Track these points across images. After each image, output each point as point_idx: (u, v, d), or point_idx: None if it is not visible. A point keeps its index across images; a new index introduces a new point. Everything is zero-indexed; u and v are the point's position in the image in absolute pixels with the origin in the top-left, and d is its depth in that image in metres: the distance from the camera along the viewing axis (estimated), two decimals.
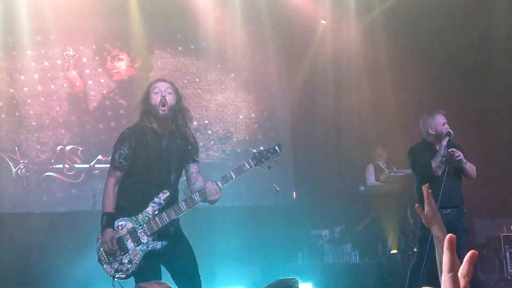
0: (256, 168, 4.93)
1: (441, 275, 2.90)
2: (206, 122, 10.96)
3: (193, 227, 4.90)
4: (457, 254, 4.78)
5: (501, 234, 8.88)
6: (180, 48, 11.02)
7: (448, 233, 4.81)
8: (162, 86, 4.80)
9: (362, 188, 9.71)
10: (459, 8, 9.81)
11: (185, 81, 10.90)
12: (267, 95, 11.48)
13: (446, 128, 6.57)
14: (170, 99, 4.74)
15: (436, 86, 10.28)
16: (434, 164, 6.52)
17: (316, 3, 10.63)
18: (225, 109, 11.16)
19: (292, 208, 10.87)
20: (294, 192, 11.22)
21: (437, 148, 6.59)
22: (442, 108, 6.92)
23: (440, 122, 6.70)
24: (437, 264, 3.08)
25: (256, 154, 4.91)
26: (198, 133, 10.74)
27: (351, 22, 10.57)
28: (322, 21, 11.11)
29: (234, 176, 4.78)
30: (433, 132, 6.73)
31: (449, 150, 6.43)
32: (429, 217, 3.12)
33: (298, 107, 11.43)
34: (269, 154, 4.92)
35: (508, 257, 8.68)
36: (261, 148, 4.98)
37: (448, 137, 6.47)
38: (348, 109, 10.71)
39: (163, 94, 4.72)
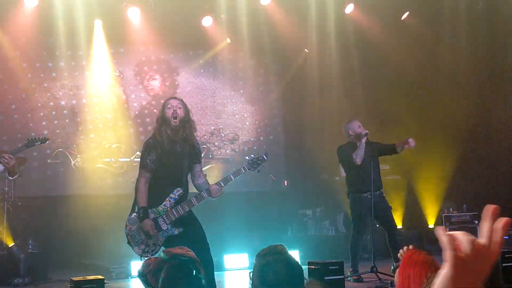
0: (249, 172, 4.97)
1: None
2: (221, 127, 11.02)
3: (207, 208, 4.92)
4: (388, 226, 4.85)
5: (443, 215, 8.94)
6: (201, 70, 11.05)
7: (376, 211, 4.78)
8: (173, 102, 4.70)
9: (337, 178, 9.73)
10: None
11: (204, 96, 10.94)
12: (267, 107, 11.50)
13: (363, 129, 6.64)
14: (180, 112, 4.64)
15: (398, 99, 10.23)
16: (354, 155, 6.56)
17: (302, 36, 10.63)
18: (234, 117, 11.18)
19: (284, 193, 10.89)
20: (286, 181, 11.27)
21: (358, 145, 6.62)
22: (356, 117, 7.05)
23: (356, 125, 6.74)
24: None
25: (249, 161, 4.92)
26: (214, 136, 10.82)
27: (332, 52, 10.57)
28: (306, 50, 11.14)
29: (233, 178, 4.78)
30: (352, 134, 6.75)
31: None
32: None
33: (290, 116, 11.47)
34: (259, 161, 4.91)
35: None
36: (252, 156, 4.99)
37: (366, 136, 6.57)
38: (328, 117, 10.72)
39: (175, 109, 4.63)
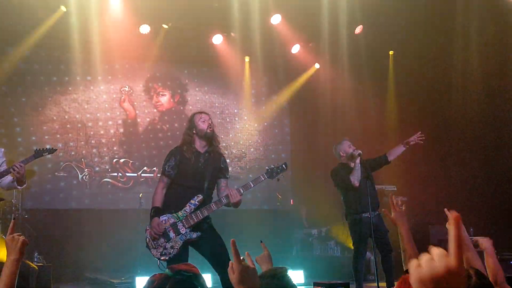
0: (268, 180, 5.04)
1: (404, 262, 2.95)
2: (228, 144, 11.04)
3: (215, 226, 4.94)
4: (383, 248, 4.85)
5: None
6: (208, 88, 11.11)
7: (374, 232, 4.83)
8: (206, 116, 4.96)
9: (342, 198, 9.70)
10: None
11: (212, 112, 10.91)
12: (272, 125, 11.56)
13: (355, 150, 6.54)
14: (213, 125, 4.94)
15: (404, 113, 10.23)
16: (352, 178, 6.45)
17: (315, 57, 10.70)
18: (241, 135, 11.23)
19: (290, 212, 10.90)
20: (292, 200, 11.26)
21: (352, 166, 6.54)
22: (346, 137, 6.88)
23: (346, 146, 6.66)
24: (401, 252, 3.11)
25: (269, 170, 4.98)
26: None
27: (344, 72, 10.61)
28: (316, 65, 11.18)
29: (252, 185, 4.85)
30: (344, 155, 6.67)
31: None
32: (394, 218, 3.15)
33: (297, 134, 11.50)
34: (279, 170, 4.97)
35: None
36: (272, 165, 5.04)
37: (359, 156, 6.47)
38: (336, 135, 10.72)
39: (209, 122, 4.91)
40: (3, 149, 5.23)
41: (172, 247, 4.60)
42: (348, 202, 6.71)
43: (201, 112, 5.08)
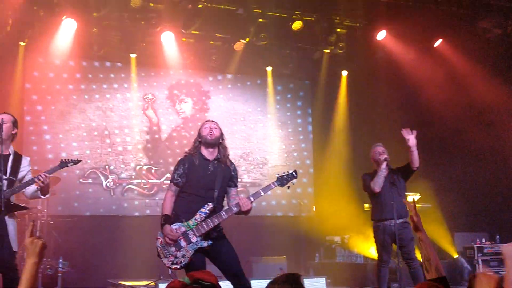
0: (278, 188, 5.04)
1: (429, 271, 2.89)
2: (250, 151, 11.06)
3: (234, 230, 4.92)
4: (407, 257, 4.74)
5: (475, 245, 8.71)
6: (230, 94, 11.16)
7: (398, 241, 4.71)
8: (210, 123, 5.00)
9: (366, 205, 9.62)
10: None
11: (234, 119, 11.03)
12: (296, 131, 11.55)
13: (382, 155, 6.45)
14: (216, 132, 4.91)
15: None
16: (372, 184, 6.43)
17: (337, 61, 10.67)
18: (263, 141, 11.23)
19: (312, 218, 10.86)
20: (314, 207, 11.22)
21: (377, 172, 6.49)
22: (378, 144, 6.75)
23: (374, 151, 6.58)
24: (424, 261, 3.04)
25: (279, 177, 4.99)
26: (242, 160, 10.86)
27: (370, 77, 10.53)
28: (344, 72, 11.13)
29: (262, 193, 4.85)
30: (372, 161, 6.63)
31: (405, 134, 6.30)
32: (417, 224, 3.08)
33: (319, 141, 11.47)
34: (289, 177, 4.98)
35: (480, 263, 8.52)
36: (283, 172, 5.04)
37: (384, 162, 6.38)
38: (355, 145, 10.67)
39: (211, 128, 4.92)
40: (29, 158, 5.31)
41: (183, 255, 4.60)
42: (372, 209, 6.68)
43: (207, 121, 5.13)
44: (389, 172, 6.51)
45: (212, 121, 5.10)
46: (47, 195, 5.20)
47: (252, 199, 4.78)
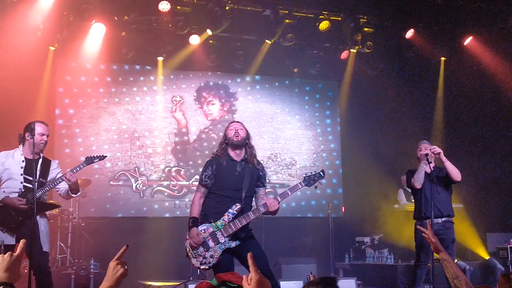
0: (308, 189, 5.03)
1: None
2: (278, 152, 11.06)
3: (265, 233, 4.91)
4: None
5: (508, 246, 8.53)
6: (258, 96, 11.17)
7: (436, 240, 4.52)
8: (235, 124, 5.02)
9: (396, 206, 9.53)
10: None
11: (262, 121, 11.04)
12: (324, 131, 11.50)
13: (423, 151, 6.31)
14: (242, 133, 4.93)
15: None
16: (412, 179, 6.35)
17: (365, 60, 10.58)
18: (291, 142, 11.21)
19: (341, 219, 10.79)
20: (343, 207, 11.15)
21: (425, 169, 6.36)
22: (424, 140, 6.61)
23: (418, 149, 6.46)
24: (449, 280, 2.97)
25: (306, 177, 5.00)
26: (270, 160, 10.86)
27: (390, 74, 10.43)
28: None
29: (290, 194, 4.86)
30: (417, 156, 6.53)
31: (431, 149, 6.14)
32: (437, 245, 3.02)
33: (347, 141, 11.40)
34: (316, 177, 4.98)
35: None
36: (310, 173, 5.04)
37: (426, 158, 6.20)
38: (385, 145, 10.56)
39: (237, 129, 4.93)
40: (57, 161, 5.44)
41: (211, 256, 4.62)
42: (414, 206, 6.57)
43: (233, 122, 5.14)
44: (434, 169, 6.35)
45: (238, 122, 5.12)
46: (78, 193, 5.30)
47: (280, 199, 4.80)
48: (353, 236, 10.20)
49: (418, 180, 6.32)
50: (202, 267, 4.65)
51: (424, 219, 6.25)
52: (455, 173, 6.22)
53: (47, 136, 5.18)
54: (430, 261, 6.44)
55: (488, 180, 9.49)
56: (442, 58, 10.29)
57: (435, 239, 3.04)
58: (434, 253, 3.02)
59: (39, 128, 5.09)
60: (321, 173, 5.01)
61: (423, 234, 3.13)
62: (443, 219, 6.24)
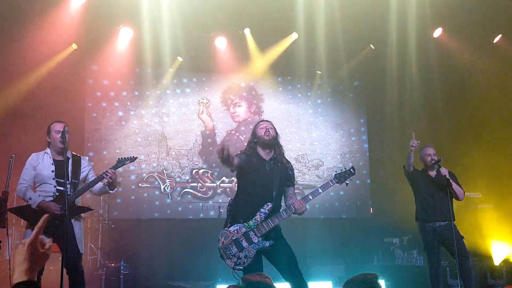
0: (337, 185, 5.00)
1: None
2: (305, 153, 11.04)
3: (290, 233, 4.90)
4: (459, 253, 4.45)
5: None
6: (283, 97, 11.16)
7: (440, 243, 4.55)
8: (265, 123, 4.98)
9: None
10: None
11: (289, 122, 11.03)
12: (351, 133, 11.44)
13: (414, 144, 6.36)
14: (272, 132, 4.90)
15: None
16: (405, 164, 6.54)
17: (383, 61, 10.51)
18: (318, 144, 11.18)
19: (370, 220, 10.72)
20: (371, 208, 11.07)
21: (429, 173, 6.51)
22: (428, 144, 6.70)
23: (429, 154, 6.52)
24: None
25: (337, 174, 4.97)
26: (297, 162, 10.84)
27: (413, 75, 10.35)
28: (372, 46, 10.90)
29: (321, 191, 4.84)
30: (423, 159, 6.62)
31: (442, 172, 6.19)
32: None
33: (374, 142, 11.32)
34: (347, 174, 4.95)
35: None
36: (340, 170, 5.03)
37: (437, 164, 6.27)
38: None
39: (267, 128, 4.91)
40: (87, 158, 5.49)
41: (246, 256, 4.61)
42: (416, 209, 6.60)
43: (262, 121, 5.12)
44: (437, 173, 6.40)
45: (267, 121, 5.09)
46: (115, 189, 5.35)
47: (311, 198, 4.77)
48: (382, 237, 10.12)
49: (409, 164, 6.47)
50: (237, 267, 4.61)
51: (427, 222, 6.30)
52: (458, 194, 6.34)
53: (67, 133, 5.14)
54: (440, 260, 6.43)
55: None
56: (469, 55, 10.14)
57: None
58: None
59: (54, 126, 5.17)
60: (351, 169, 4.99)
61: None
62: (446, 222, 6.27)
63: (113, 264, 7.68)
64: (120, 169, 8.67)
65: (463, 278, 6.14)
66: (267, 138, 4.87)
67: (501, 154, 9.56)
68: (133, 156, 5.38)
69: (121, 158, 5.33)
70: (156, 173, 10.11)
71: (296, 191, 9.59)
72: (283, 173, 4.91)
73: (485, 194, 9.01)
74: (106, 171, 5.07)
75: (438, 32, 9.48)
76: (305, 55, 10.20)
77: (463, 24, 9.27)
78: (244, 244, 4.63)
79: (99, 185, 5.22)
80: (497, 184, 9.18)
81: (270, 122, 5.05)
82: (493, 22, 9.25)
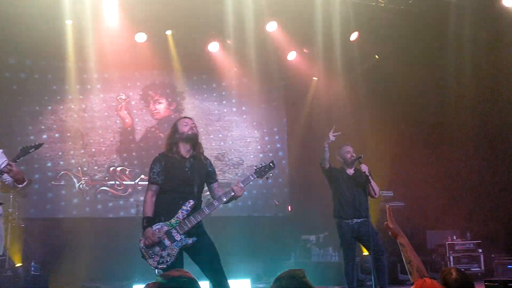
0: (265, 187, 5.02)
1: (412, 274, 2.91)
2: (225, 151, 11.05)
3: (209, 231, 4.87)
4: (374, 251, 4.69)
5: (446, 242, 8.83)
6: (205, 95, 11.13)
7: (356, 239, 4.85)
8: (189, 121, 4.93)
9: None
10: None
11: (209, 120, 11.01)
12: (270, 132, 11.58)
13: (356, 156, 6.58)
14: (196, 129, 4.88)
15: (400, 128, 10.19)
16: (321, 161, 6.68)
17: (310, 63, 10.70)
18: (238, 142, 11.23)
19: (288, 218, 10.89)
20: (289, 206, 11.25)
21: (348, 172, 6.66)
22: (346, 143, 6.89)
23: (349, 151, 6.71)
24: (404, 263, 3.05)
25: (257, 169, 4.92)
26: (218, 160, 10.83)
27: (339, 78, 10.58)
28: (314, 78, 11.19)
29: (242, 186, 4.71)
30: (342, 158, 6.78)
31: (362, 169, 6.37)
32: (394, 231, 3.10)
33: (294, 141, 11.51)
34: (267, 168, 4.91)
35: (451, 260, 8.62)
36: (260, 164, 4.98)
37: (358, 161, 6.47)
38: (334, 143, 10.68)
39: (191, 126, 4.86)
40: (1, 150, 5.17)
41: (168, 254, 4.55)
42: (334, 206, 6.73)
43: (184, 117, 5.07)
44: (355, 171, 6.60)
45: (189, 118, 5.04)
46: (24, 183, 5.04)
47: (243, 186, 4.70)
48: (299, 234, 10.30)
49: (324, 159, 6.59)
50: (160, 266, 4.53)
51: (344, 219, 6.46)
52: (376, 191, 6.53)
53: None
54: (356, 256, 6.62)
55: (428, 179, 9.77)
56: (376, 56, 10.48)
57: (393, 225, 3.12)
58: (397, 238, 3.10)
59: None
60: (271, 164, 4.95)
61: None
62: (362, 219, 6.44)
63: (21, 265, 7.34)
64: (35, 165, 8.30)
65: (378, 273, 6.29)
66: (191, 133, 4.82)
67: (413, 151, 9.95)
68: (38, 143, 5.09)
69: (25, 146, 5.03)
70: (73, 170, 9.79)
71: None
72: (203, 169, 4.87)
73: (396, 193, 9.37)
74: (6, 165, 4.75)
75: (354, 36, 9.74)
76: (233, 54, 10.17)
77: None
78: (167, 242, 4.56)
79: (10, 179, 4.91)
80: (409, 182, 9.59)
81: (192, 119, 5.00)
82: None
